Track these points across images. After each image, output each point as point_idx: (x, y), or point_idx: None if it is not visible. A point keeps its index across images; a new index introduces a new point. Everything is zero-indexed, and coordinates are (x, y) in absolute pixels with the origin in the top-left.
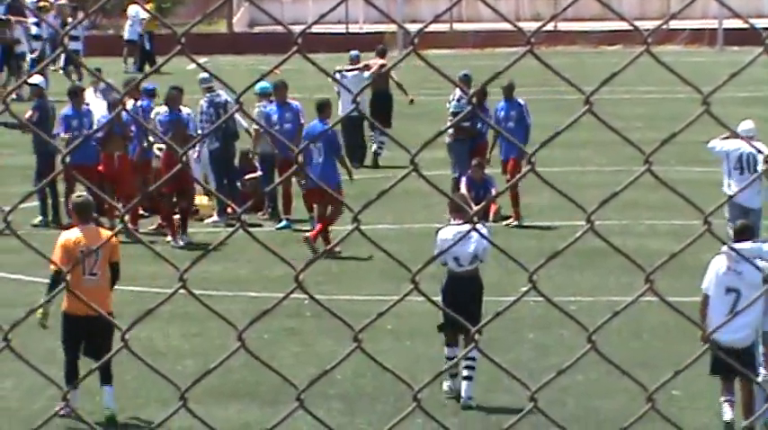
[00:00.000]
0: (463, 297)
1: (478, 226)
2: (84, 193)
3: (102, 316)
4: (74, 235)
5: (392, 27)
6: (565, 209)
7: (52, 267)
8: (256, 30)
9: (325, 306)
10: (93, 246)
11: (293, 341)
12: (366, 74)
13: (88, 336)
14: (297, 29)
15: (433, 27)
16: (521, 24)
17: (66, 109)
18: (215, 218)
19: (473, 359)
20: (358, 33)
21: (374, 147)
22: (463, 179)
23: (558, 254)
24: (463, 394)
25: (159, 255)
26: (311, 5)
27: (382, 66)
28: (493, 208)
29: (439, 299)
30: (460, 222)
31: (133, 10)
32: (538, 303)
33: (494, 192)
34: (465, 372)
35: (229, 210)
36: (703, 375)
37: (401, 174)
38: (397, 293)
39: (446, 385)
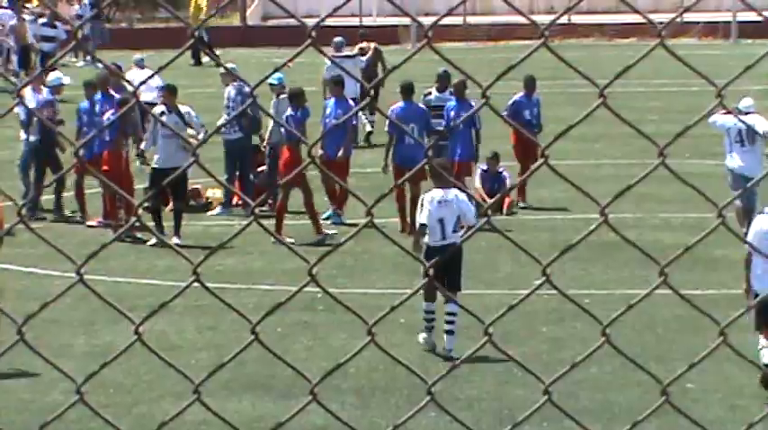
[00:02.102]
0: (447, 262)
1: (457, 193)
2: None
3: None
4: None
5: (406, 20)
6: (579, 202)
7: None
8: (270, 23)
9: (338, 299)
10: None
11: (307, 334)
12: (363, 59)
13: None
14: (310, 22)
15: (447, 20)
16: (535, 17)
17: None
18: (218, 210)
19: (453, 314)
20: (371, 26)
21: (368, 127)
22: (478, 171)
23: (572, 247)
24: (446, 346)
25: (173, 248)
26: None
27: (376, 50)
28: (507, 201)
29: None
30: (442, 187)
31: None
32: (552, 296)
33: (508, 184)
34: (446, 326)
35: (234, 201)
36: (717, 368)
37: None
38: (411, 287)
39: (422, 338)
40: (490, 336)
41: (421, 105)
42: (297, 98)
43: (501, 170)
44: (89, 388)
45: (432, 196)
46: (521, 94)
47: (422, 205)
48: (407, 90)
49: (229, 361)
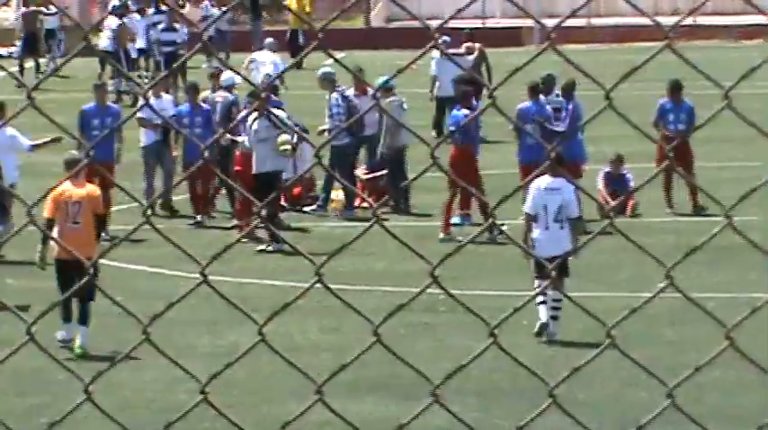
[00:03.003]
0: (556, 247)
1: (565, 183)
2: (76, 152)
3: (83, 260)
4: (63, 188)
5: (529, 21)
6: (704, 204)
7: (45, 214)
8: (393, 25)
9: (460, 301)
10: (79, 198)
11: (428, 336)
12: (469, 57)
13: (76, 278)
14: (434, 24)
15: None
16: (659, 18)
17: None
18: (314, 207)
19: (559, 300)
20: (495, 28)
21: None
22: (601, 173)
23: (696, 249)
24: (550, 329)
25: (296, 249)
26: (448, 0)
27: (481, 50)
28: (630, 203)
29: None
30: (551, 175)
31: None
32: (675, 299)
33: (631, 186)
34: (551, 312)
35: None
36: None
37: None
38: (533, 288)
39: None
40: (613, 339)
41: (547, 106)
42: (465, 100)
43: (624, 172)
44: (213, 387)
45: (539, 183)
46: (666, 98)
47: (528, 193)
48: (536, 90)
49: (352, 362)
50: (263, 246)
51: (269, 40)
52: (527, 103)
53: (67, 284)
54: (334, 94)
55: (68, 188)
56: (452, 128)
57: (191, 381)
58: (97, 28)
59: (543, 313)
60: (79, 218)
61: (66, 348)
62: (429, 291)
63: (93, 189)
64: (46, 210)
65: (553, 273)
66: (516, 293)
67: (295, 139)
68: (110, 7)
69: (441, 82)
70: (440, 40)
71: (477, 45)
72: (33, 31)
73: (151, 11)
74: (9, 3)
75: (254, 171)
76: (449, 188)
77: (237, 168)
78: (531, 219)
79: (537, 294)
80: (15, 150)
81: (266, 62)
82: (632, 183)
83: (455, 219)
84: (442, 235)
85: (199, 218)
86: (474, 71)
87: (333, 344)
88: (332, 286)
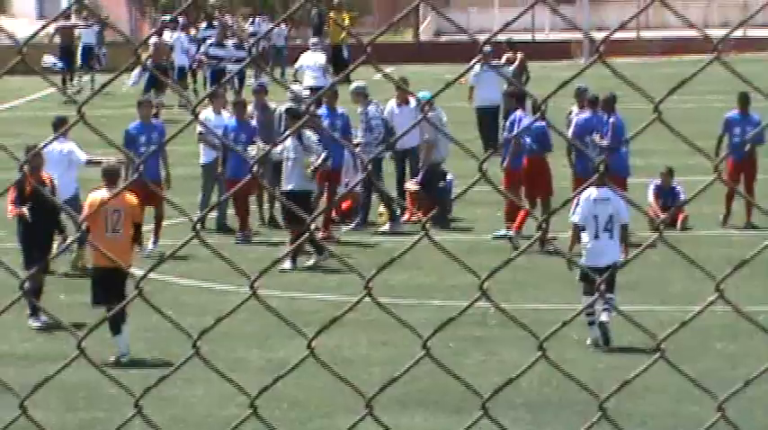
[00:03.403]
0: (606, 257)
1: (614, 192)
2: (114, 160)
3: (121, 267)
4: (100, 196)
5: (578, 35)
6: (757, 217)
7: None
8: (442, 39)
9: (510, 314)
10: (118, 206)
11: (478, 349)
12: (510, 68)
13: (109, 285)
14: (482, 37)
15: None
16: (709, 31)
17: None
18: (387, 226)
19: (612, 299)
20: (544, 41)
21: None
22: (651, 186)
23: (746, 262)
24: (603, 318)
25: (345, 263)
26: (497, 14)
27: (522, 60)
28: (681, 216)
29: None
30: (599, 186)
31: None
32: (726, 312)
33: (682, 199)
34: (603, 317)
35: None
36: None
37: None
38: (582, 302)
39: (589, 339)
40: (663, 352)
41: (606, 117)
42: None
43: (675, 185)
44: (263, 402)
45: (588, 193)
46: (734, 111)
47: (576, 204)
48: (594, 101)
49: (401, 375)
50: (311, 262)
51: (313, 40)
52: (586, 115)
53: (105, 292)
54: (371, 106)
55: (106, 196)
56: (528, 138)
57: (241, 396)
58: (146, 44)
59: (594, 332)
60: (119, 226)
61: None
62: (478, 304)
63: (131, 198)
64: (82, 218)
65: (602, 286)
66: (566, 307)
67: (318, 162)
68: (159, 23)
69: (479, 92)
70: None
71: (518, 55)
72: (69, 44)
73: (203, 26)
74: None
75: (285, 189)
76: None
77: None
78: (580, 229)
79: (585, 307)
80: (73, 164)
81: (313, 65)
82: (682, 197)
83: (500, 232)
84: (512, 232)
85: (241, 234)
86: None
87: (382, 357)
88: (382, 300)
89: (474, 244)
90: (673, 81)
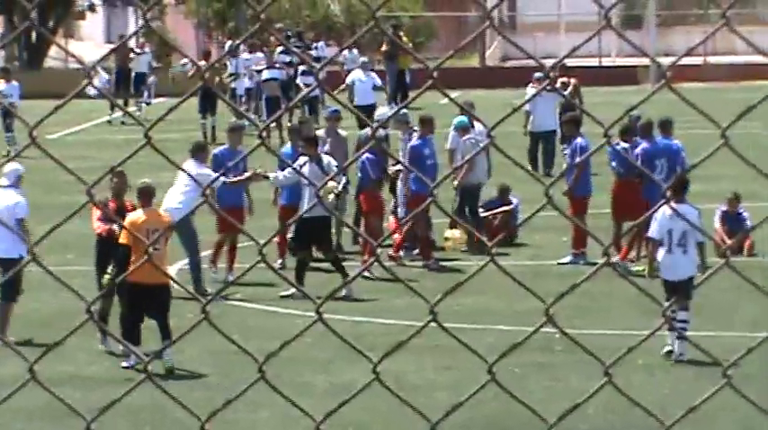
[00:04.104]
0: (679, 271)
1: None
2: (148, 181)
3: (162, 283)
4: (138, 215)
5: (645, 60)
6: None
7: (122, 240)
8: (509, 64)
9: (575, 340)
10: (156, 225)
11: (544, 375)
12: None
13: (150, 301)
14: (549, 62)
15: (687, 60)
16: None
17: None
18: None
19: (685, 321)
20: (611, 66)
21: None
22: (717, 212)
23: None
24: (677, 351)
25: (410, 287)
26: (564, 39)
27: (576, 86)
28: (747, 242)
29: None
30: (676, 201)
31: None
32: None
33: (748, 225)
34: (678, 333)
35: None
36: None
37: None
38: (649, 327)
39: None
40: (729, 379)
41: (675, 142)
42: (626, 134)
43: (741, 211)
44: (328, 426)
45: (664, 209)
46: None
47: (655, 220)
48: (665, 125)
49: (466, 400)
50: (288, 292)
51: (362, 59)
52: (658, 139)
53: (139, 307)
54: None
55: (143, 216)
56: (613, 162)
57: (306, 419)
58: (213, 67)
59: (670, 338)
60: (159, 244)
61: (132, 369)
62: (544, 329)
63: (165, 215)
64: (122, 238)
65: (676, 303)
66: (631, 332)
67: (340, 187)
68: (226, 47)
69: (534, 117)
70: (536, 75)
71: (572, 80)
72: (125, 68)
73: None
74: (127, 43)
75: (302, 214)
76: (612, 220)
77: (364, 208)
78: (657, 244)
79: (652, 333)
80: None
81: (365, 79)
82: (749, 223)
83: (567, 258)
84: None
85: (280, 262)
86: (567, 107)
87: (447, 382)
88: (447, 325)
89: (539, 269)
90: (739, 107)
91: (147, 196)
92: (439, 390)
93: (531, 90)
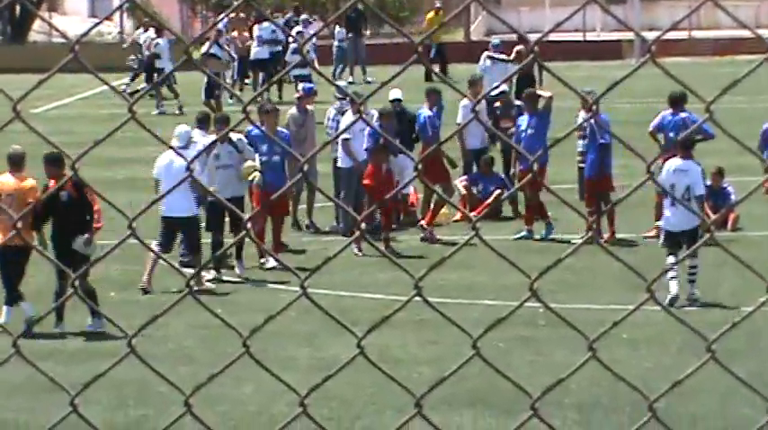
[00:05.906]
0: (685, 222)
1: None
2: (19, 147)
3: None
4: (5, 180)
5: (629, 35)
6: None
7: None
8: (494, 38)
9: (559, 315)
10: (11, 191)
11: (528, 349)
12: (516, 67)
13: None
14: (533, 37)
15: (672, 34)
16: (761, 31)
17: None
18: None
19: (695, 266)
20: (595, 41)
21: None
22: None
23: None
24: (690, 290)
25: (395, 262)
26: (548, 14)
27: (520, 53)
28: (732, 216)
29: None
30: (682, 157)
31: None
32: None
33: (732, 200)
34: (689, 277)
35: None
36: None
37: (636, 184)
38: (633, 302)
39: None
40: (713, 353)
41: (682, 115)
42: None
43: (725, 185)
44: (312, 400)
45: (670, 164)
46: None
47: (660, 174)
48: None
49: (450, 375)
50: (210, 276)
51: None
52: (685, 114)
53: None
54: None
55: (11, 181)
56: (671, 133)
57: (290, 394)
58: (200, 42)
59: (674, 287)
60: (9, 209)
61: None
62: (529, 304)
63: (27, 181)
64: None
65: (682, 248)
66: (616, 307)
67: (258, 164)
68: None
69: (488, 85)
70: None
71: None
72: (244, 57)
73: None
74: (111, 18)
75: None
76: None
77: (366, 182)
78: (662, 196)
79: (637, 307)
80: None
81: None
82: (733, 197)
83: (522, 233)
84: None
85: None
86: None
87: (431, 357)
88: (432, 299)
89: (525, 244)
90: (724, 81)
91: (13, 163)
92: (423, 365)
93: (486, 60)
